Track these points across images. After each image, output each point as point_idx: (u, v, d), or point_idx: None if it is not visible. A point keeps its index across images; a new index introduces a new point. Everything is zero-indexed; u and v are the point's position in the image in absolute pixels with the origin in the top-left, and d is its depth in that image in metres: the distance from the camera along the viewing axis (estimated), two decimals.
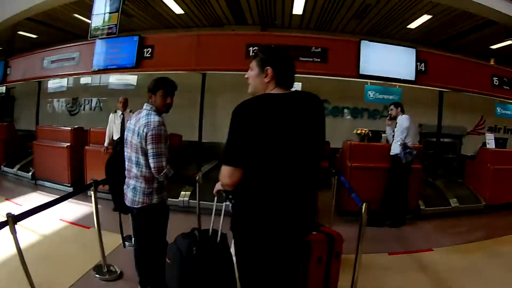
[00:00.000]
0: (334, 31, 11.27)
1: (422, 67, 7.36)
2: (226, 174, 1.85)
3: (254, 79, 2.00)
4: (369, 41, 7.40)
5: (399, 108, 6.02)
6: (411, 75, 7.23)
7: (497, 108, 8.43)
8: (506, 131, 12.34)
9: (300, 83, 7.02)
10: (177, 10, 9.84)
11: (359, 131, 6.63)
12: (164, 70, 6.94)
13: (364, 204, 3.23)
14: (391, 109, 6.08)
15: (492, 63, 8.94)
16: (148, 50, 7.62)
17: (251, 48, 6.91)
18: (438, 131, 8.09)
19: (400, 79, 7.25)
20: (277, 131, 1.81)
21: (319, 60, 6.99)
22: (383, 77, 7.17)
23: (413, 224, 6.26)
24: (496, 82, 8.16)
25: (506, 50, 10.99)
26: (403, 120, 5.83)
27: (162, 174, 2.83)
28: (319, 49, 7.00)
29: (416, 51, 7.27)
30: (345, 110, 10.63)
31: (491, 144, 7.70)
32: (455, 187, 7.69)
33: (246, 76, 2.04)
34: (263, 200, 1.86)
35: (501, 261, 4.74)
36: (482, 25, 9.84)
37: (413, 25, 10.50)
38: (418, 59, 7.27)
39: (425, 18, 9.88)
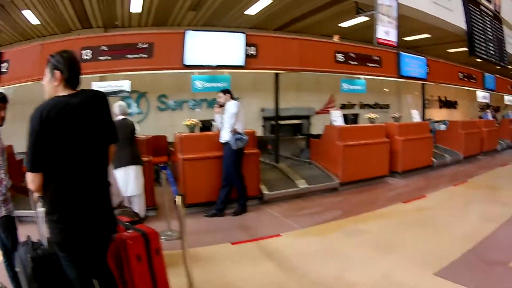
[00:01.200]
0: (172, 25, 11.41)
1: (252, 51, 7.45)
2: (29, 180, 2.02)
3: (47, 85, 2.16)
4: (197, 30, 7.38)
5: (228, 94, 6.09)
6: (240, 61, 7.31)
7: (343, 84, 8.67)
8: (362, 106, 13.34)
9: (129, 81, 7.10)
10: (34, 21, 9.87)
11: (188, 122, 6.64)
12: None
13: (178, 197, 3.39)
14: (219, 96, 6.15)
15: (336, 39, 9.41)
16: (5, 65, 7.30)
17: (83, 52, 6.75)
18: (276, 114, 8.18)
19: (228, 65, 7.33)
20: (66, 132, 2.01)
21: (146, 55, 6.93)
22: (210, 65, 7.23)
23: (258, 210, 6.29)
24: (340, 58, 8.42)
25: (358, 28, 11.72)
26: (231, 106, 5.88)
27: (2, 186, 2.88)
28: (145, 45, 6.92)
29: (245, 35, 7.35)
30: (184, 103, 11.10)
31: (337, 121, 7.98)
32: (303, 168, 7.98)
33: (42, 83, 2.18)
34: (63, 200, 2.07)
35: (358, 240, 4.83)
36: (331, 3, 10.28)
37: (253, 11, 10.69)
38: (248, 44, 7.36)
39: (265, 2, 10.08)
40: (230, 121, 5.84)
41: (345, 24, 12.25)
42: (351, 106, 13.73)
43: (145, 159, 5.75)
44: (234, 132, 5.84)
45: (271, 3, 10.04)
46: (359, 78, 8.84)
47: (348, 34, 12.41)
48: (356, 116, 9.21)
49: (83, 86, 2.23)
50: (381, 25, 8.81)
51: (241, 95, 10.92)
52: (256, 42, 7.50)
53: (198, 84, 7.28)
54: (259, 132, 10.87)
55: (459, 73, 12.66)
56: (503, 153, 13.95)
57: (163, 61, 7.05)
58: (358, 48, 8.88)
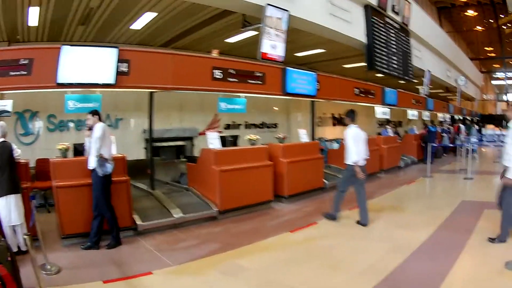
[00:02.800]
0: (65, 40, 11.59)
1: (124, 67, 7.25)
2: None
3: None
4: (72, 45, 7.18)
5: (96, 116, 6.06)
6: (111, 78, 7.09)
7: (221, 103, 8.62)
8: (248, 126, 13.53)
9: (11, 101, 7.07)
10: None
11: (60, 147, 6.59)
12: None
13: (27, 237, 3.59)
14: (88, 118, 6.10)
15: (215, 54, 9.38)
16: None
17: None
18: (150, 135, 8.20)
19: (98, 83, 7.10)
20: None
21: (25, 73, 6.72)
22: (80, 83, 6.99)
23: (132, 242, 6.20)
24: (218, 75, 8.36)
25: (247, 43, 11.97)
26: (96, 129, 5.83)
27: None
28: (26, 61, 6.73)
29: (118, 50, 7.15)
30: (70, 124, 10.91)
31: (214, 144, 7.96)
32: (181, 195, 8.00)
33: None
34: None
35: (237, 280, 4.70)
36: (217, 16, 10.43)
37: (138, 25, 10.86)
38: (120, 60, 7.15)
39: (149, 16, 10.19)
40: (95, 145, 5.77)
41: (233, 40, 12.52)
42: (236, 126, 13.94)
43: (23, 185, 5.58)
44: (100, 157, 5.78)
45: (155, 17, 10.19)
46: (238, 96, 8.87)
47: (236, 50, 12.88)
48: (235, 137, 9.25)
49: None
50: (267, 39, 9.01)
51: (124, 115, 11.10)
52: (129, 57, 7.35)
53: (71, 104, 7.06)
54: (142, 155, 10.83)
55: (355, 89, 13.11)
56: (407, 169, 14.84)
57: (40, 79, 6.84)
58: (238, 63, 8.89)
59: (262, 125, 14.98)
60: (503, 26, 40.87)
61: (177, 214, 6.93)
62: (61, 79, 6.81)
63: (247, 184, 8.00)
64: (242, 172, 7.91)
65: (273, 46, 9.16)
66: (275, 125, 15.45)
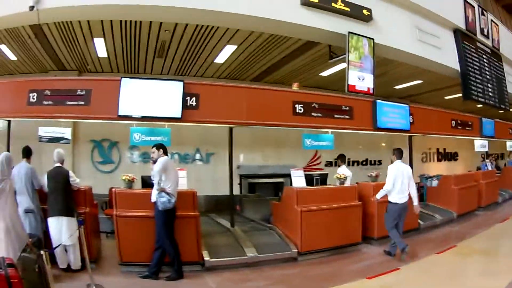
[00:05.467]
0: (141, 73, 11.63)
1: (192, 101, 7.28)
2: None
3: None
4: (133, 78, 7.39)
5: (160, 150, 6.11)
6: (177, 112, 7.14)
7: (305, 139, 8.17)
8: (351, 163, 12.59)
9: (69, 129, 7.61)
10: (12, 57, 10.17)
11: (124, 177, 6.65)
12: None
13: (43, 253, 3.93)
14: (153, 152, 6.17)
15: (295, 87, 8.95)
16: None
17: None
18: (230, 170, 8.16)
19: (163, 117, 7.23)
20: None
21: (83, 103, 6.99)
22: (146, 116, 7.16)
23: (196, 277, 6.06)
24: (299, 110, 7.93)
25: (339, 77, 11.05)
26: (157, 163, 5.91)
27: None
28: (83, 92, 7.00)
29: (183, 83, 7.18)
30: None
31: (297, 182, 7.55)
32: (261, 234, 7.66)
33: None
34: None
35: None
36: (304, 49, 9.91)
37: (220, 59, 10.58)
38: (187, 93, 7.21)
39: (230, 49, 9.86)
40: (156, 179, 5.86)
41: (325, 73, 11.86)
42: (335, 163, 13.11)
43: (81, 210, 6.00)
44: (161, 191, 5.80)
45: (236, 49, 9.88)
46: (326, 132, 8.38)
47: (331, 84, 12.17)
48: (324, 176, 8.62)
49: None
50: (353, 70, 8.42)
51: (216, 150, 10.89)
52: (197, 91, 7.29)
53: (136, 136, 7.18)
54: (235, 191, 10.34)
55: (452, 121, 12.14)
56: (504, 204, 13.50)
57: (100, 110, 7.08)
58: (322, 97, 8.49)
59: (366, 162, 14.13)
60: None
61: (251, 253, 6.60)
62: (123, 111, 6.96)
63: (332, 225, 7.39)
64: (326, 212, 7.35)
65: (360, 77, 8.54)
66: (379, 162, 14.45)
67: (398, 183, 7.05)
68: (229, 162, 7.89)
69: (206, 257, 6.31)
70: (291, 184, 7.91)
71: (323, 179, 8.48)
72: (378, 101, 9.13)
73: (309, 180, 7.99)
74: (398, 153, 7.41)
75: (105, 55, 10.23)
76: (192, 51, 10.02)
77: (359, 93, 8.57)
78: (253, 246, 6.73)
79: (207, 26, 8.20)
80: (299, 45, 9.57)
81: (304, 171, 8.72)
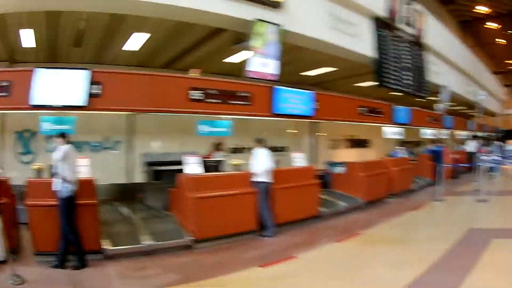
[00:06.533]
0: (61, 62, 11.50)
1: (97, 89, 7.40)
2: None
3: None
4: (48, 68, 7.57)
5: (62, 138, 6.12)
6: (83, 100, 7.31)
7: (201, 126, 8.27)
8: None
9: None
10: None
11: (34, 167, 6.79)
12: None
13: None
14: (56, 141, 6.19)
15: (193, 74, 8.99)
16: None
17: None
18: (128, 160, 8.50)
19: (70, 105, 7.34)
20: None
21: (5, 94, 7.22)
22: (54, 106, 7.29)
23: (99, 266, 6.04)
24: (196, 96, 7.98)
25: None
26: (57, 152, 5.93)
27: None
28: (7, 83, 7.22)
29: (91, 72, 7.33)
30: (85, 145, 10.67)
31: (191, 169, 7.51)
32: (160, 222, 7.68)
33: None
34: None
35: None
36: (211, 35, 9.85)
37: (134, 46, 10.52)
38: (93, 82, 7.33)
39: (143, 37, 9.80)
40: (56, 168, 5.88)
41: (233, 60, 11.82)
42: (241, 149, 12.91)
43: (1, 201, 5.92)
44: (62, 179, 5.81)
45: (149, 38, 9.84)
46: (222, 118, 8.48)
47: (237, 71, 12.10)
48: (218, 162, 8.79)
49: None
50: (257, 56, 8.49)
51: (124, 138, 10.72)
52: (101, 79, 7.43)
53: (46, 125, 7.41)
54: (140, 179, 10.43)
55: (360, 108, 12.46)
56: (419, 192, 13.75)
57: (17, 101, 7.22)
58: (221, 83, 8.58)
59: (271, 148, 14.03)
60: None
61: (147, 241, 6.60)
62: (35, 101, 7.12)
63: (228, 212, 7.39)
64: (221, 199, 7.32)
65: (264, 63, 8.60)
66: (284, 148, 14.22)
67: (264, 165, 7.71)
68: (130, 149, 8.38)
69: (107, 246, 6.33)
70: None
71: (217, 166, 8.64)
72: (277, 87, 9.24)
73: (215, 166, 8.24)
74: (259, 142, 8.05)
75: (33, 45, 10.12)
76: (106, 40, 10.04)
77: (262, 79, 8.62)
78: (151, 234, 6.78)
79: (120, 14, 8.14)
80: (208, 31, 9.55)
81: (208, 158, 8.82)
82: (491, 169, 15.32)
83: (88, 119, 8.95)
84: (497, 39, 41.10)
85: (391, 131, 14.31)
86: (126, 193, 9.57)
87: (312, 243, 7.16)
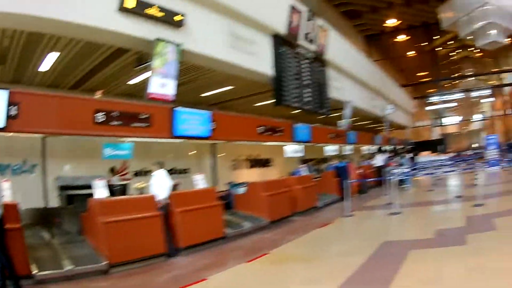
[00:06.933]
0: None
1: (14, 111, 7.65)
2: None
3: None
4: None
5: None
6: (1, 122, 7.49)
7: (106, 149, 8.94)
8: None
9: None
10: None
11: None
12: None
13: None
14: None
15: (98, 96, 9.79)
16: None
17: None
18: (44, 183, 9.02)
19: None
20: None
21: None
22: None
23: None
24: (101, 118, 8.60)
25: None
26: None
27: None
28: None
29: (9, 92, 7.56)
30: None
31: (99, 193, 8.26)
32: (77, 247, 8.25)
33: None
34: None
35: None
36: (115, 55, 10.67)
37: (46, 66, 11.04)
38: (11, 102, 7.56)
39: (53, 56, 10.32)
40: None
41: (134, 81, 12.73)
42: (145, 173, 13.65)
43: None
44: None
45: (58, 57, 10.34)
46: (124, 141, 9.24)
47: (139, 91, 13.07)
48: (124, 186, 9.56)
49: None
50: (157, 77, 9.31)
51: (40, 161, 10.99)
52: (20, 100, 7.70)
53: None
54: (55, 203, 10.89)
55: (259, 127, 13.54)
56: (326, 209, 15.00)
57: None
58: (124, 105, 9.24)
59: (174, 171, 14.72)
60: (437, 48, 43.76)
61: (67, 266, 7.11)
62: None
63: (137, 236, 8.11)
64: (129, 223, 8.03)
65: (162, 84, 9.41)
66: (186, 170, 15.32)
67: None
68: (45, 173, 8.73)
69: (35, 271, 6.73)
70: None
71: (123, 189, 9.53)
72: (177, 108, 10.09)
73: (123, 190, 9.05)
74: (159, 165, 9.31)
75: None
76: (24, 59, 10.43)
77: (160, 100, 9.43)
78: (70, 259, 7.30)
79: (38, 33, 8.58)
80: (112, 51, 10.31)
81: (120, 180, 9.79)
82: (402, 182, 17.27)
83: (9, 140, 9.21)
84: (408, 52, 45.10)
85: (292, 150, 15.65)
86: (44, 217, 9.95)
87: (221, 264, 7.78)
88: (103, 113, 8.64)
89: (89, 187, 8.66)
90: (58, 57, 10.30)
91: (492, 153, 24.20)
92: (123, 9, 8.60)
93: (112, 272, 7.56)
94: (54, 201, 10.85)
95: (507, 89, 52.59)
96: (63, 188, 10.71)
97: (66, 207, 9.88)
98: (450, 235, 8.49)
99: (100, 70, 11.77)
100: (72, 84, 12.85)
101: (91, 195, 8.37)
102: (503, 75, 50.04)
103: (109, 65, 11.31)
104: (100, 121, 8.61)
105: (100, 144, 9.19)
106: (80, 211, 9.04)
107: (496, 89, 52.15)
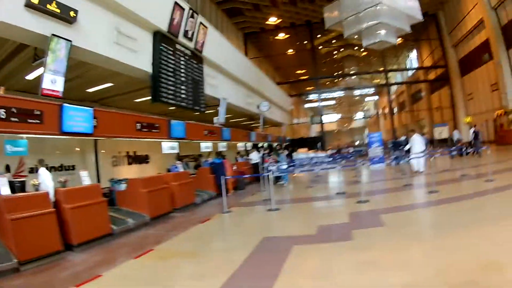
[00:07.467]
0: None
1: None
2: None
3: None
4: None
5: None
6: None
7: (7, 145, 9.62)
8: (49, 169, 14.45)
9: None
10: None
11: None
12: None
13: None
14: None
15: (1, 92, 10.41)
16: None
17: None
18: None
19: None
20: None
21: None
22: None
23: None
24: (1, 115, 9.24)
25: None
26: None
27: None
28: None
29: None
30: None
31: (2, 190, 9.06)
32: None
33: None
34: None
35: None
36: (17, 51, 11.71)
37: None
38: None
39: None
40: None
41: (32, 76, 13.50)
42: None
43: None
44: None
45: None
46: (22, 138, 9.99)
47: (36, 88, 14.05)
48: (23, 183, 10.66)
49: None
50: (48, 73, 10.38)
51: None
52: None
53: None
54: None
55: (137, 123, 14.49)
56: (204, 205, 16.56)
57: None
58: (22, 101, 9.93)
59: (61, 168, 15.63)
60: (319, 47, 47.42)
61: None
62: None
63: (32, 233, 8.83)
64: (31, 220, 8.86)
65: (53, 80, 10.43)
66: (73, 167, 16.08)
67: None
68: None
69: None
70: None
71: (22, 186, 10.36)
72: (64, 104, 10.91)
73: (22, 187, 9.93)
74: (40, 162, 10.68)
75: None
76: None
77: (51, 96, 10.43)
78: None
79: None
80: (14, 47, 11.36)
81: (14, 178, 10.64)
82: (279, 178, 19.25)
83: None
84: (288, 50, 48.26)
85: (168, 146, 16.86)
86: None
87: (111, 261, 8.50)
88: (3, 109, 9.27)
89: None
90: None
91: (375, 150, 26.05)
92: (30, 5, 9.58)
93: (23, 269, 8.28)
94: None
95: (393, 88, 58.51)
96: None
97: None
98: (335, 231, 9.30)
99: (2, 66, 12.66)
100: None
101: None
102: (390, 74, 55.53)
103: (11, 60, 12.27)
104: (1, 117, 9.25)
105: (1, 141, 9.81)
106: None
107: (381, 88, 57.54)
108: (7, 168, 11.88)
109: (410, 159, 18.79)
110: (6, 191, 9.15)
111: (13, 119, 9.51)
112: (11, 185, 9.52)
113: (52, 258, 9.08)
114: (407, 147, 20.06)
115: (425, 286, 5.47)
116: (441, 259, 6.44)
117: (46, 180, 10.30)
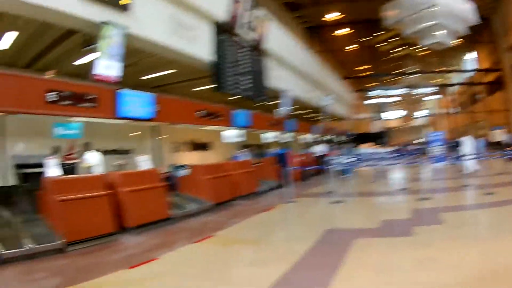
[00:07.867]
0: None
1: None
2: None
3: None
4: None
5: None
6: None
7: (57, 128, 9.63)
8: (108, 152, 14.23)
9: None
10: None
11: None
12: None
13: None
14: None
15: (49, 76, 10.49)
16: None
17: None
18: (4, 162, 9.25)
19: None
20: None
21: None
22: None
23: None
24: (52, 98, 9.17)
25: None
26: None
27: None
28: None
29: None
30: None
31: (51, 171, 8.91)
32: (35, 225, 8.62)
33: None
34: None
35: None
36: (66, 36, 11.35)
37: (3, 45, 11.55)
38: None
39: (13, 35, 10.91)
40: None
41: (83, 62, 13.10)
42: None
43: None
44: None
45: (17, 36, 10.94)
46: (73, 121, 9.90)
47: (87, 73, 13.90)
48: (74, 165, 10.28)
49: None
50: (102, 59, 10.00)
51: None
52: None
53: None
54: (12, 182, 11.40)
55: (197, 111, 14.47)
56: (267, 195, 15.78)
57: None
58: (72, 86, 9.80)
59: (117, 151, 15.47)
60: (377, 45, 45.94)
61: (27, 244, 7.49)
62: None
63: (89, 214, 8.59)
64: (83, 201, 8.51)
65: (108, 66, 10.08)
66: (128, 151, 15.88)
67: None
68: (3, 151, 9.25)
69: (1, 249, 7.09)
70: None
71: (73, 168, 10.11)
72: (121, 90, 10.81)
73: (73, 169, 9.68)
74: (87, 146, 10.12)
75: None
76: None
77: (104, 81, 10.08)
78: (29, 238, 7.66)
79: None
80: (62, 33, 11.02)
81: (65, 160, 10.27)
82: (343, 171, 18.29)
83: None
84: (349, 46, 47.05)
85: (231, 134, 16.71)
86: (2, 196, 10.14)
87: (170, 245, 8.12)
88: (54, 92, 9.16)
89: (42, 165, 9.26)
90: (16, 37, 10.89)
91: (436, 149, 24.39)
92: None
93: (69, 250, 7.93)
94: (13, 180, 11.31)
95: (452, 88, 56.16)
96: (18, 166, 11.14)
97: (22, 186, 10.23)
98: (397, 226, 8.95)
99: (50, 51, 12.41)
100: (25, 64, 13.38)
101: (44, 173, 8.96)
102: (449, 74, 53.26)
103: (59, 46, 11.97)
104: (51, 100, 9.13)
105: (51, 123, 9.77)
106: (35, 189, 9.50)
107: (441, 88, 55.41)
108: (56, 151, 11.41)
109: (460, 160, 18.00)
110: (55, 172, 8.95)
111: (66, 102, 9.49)
112: (63, 167, 9.35)
113: (102, 240, 8.70)
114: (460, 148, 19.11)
115: (480, 287, 5.19)
116: (497, 260, 6.09)
117: (96, 163, 10.27)
